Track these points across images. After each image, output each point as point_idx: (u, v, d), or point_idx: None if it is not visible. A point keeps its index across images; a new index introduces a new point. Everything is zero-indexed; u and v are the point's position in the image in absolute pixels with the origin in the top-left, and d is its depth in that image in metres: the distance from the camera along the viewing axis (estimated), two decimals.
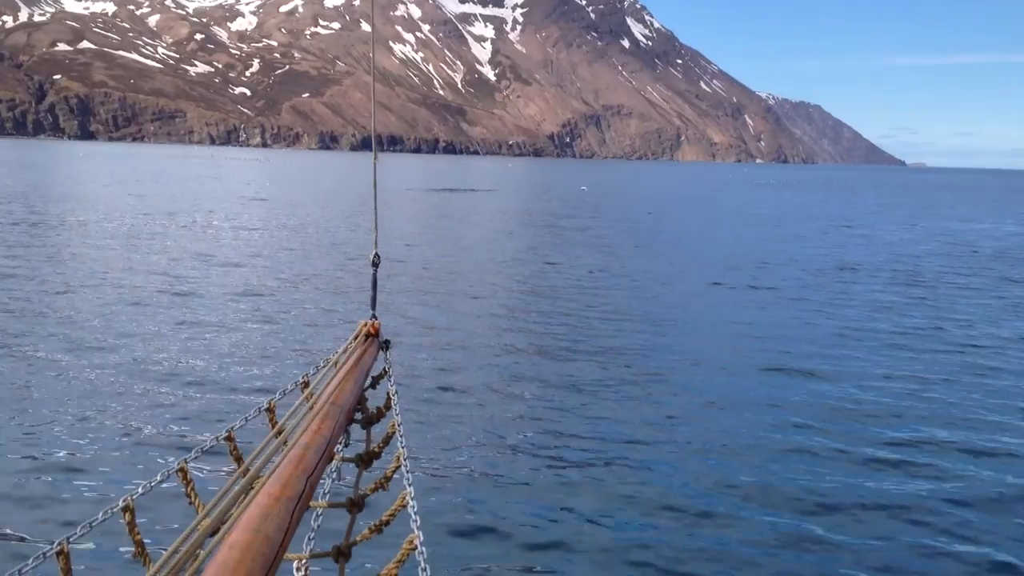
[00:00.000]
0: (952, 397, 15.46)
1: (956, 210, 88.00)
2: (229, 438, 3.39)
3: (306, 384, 4.07)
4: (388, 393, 4.25)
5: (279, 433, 3.24)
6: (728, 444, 12.60)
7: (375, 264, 5.39)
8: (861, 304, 25.56)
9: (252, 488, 2.70)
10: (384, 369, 4.65)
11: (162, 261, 29.37)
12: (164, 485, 3.03)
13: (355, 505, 3.67)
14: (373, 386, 4.49)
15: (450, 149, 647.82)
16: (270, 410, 3.74)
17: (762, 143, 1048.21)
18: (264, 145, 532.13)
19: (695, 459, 12.00)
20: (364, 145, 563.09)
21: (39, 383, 14.36)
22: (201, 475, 9.60)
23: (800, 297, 26.55)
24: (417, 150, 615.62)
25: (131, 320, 19.67)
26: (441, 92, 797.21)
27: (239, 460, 3.28)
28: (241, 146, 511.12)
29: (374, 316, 4.95)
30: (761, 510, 10.40)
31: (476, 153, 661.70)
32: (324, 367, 4.23)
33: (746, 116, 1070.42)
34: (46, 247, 31.93)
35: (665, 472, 11.56)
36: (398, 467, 3.51)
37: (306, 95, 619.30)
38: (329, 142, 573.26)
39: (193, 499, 3.07)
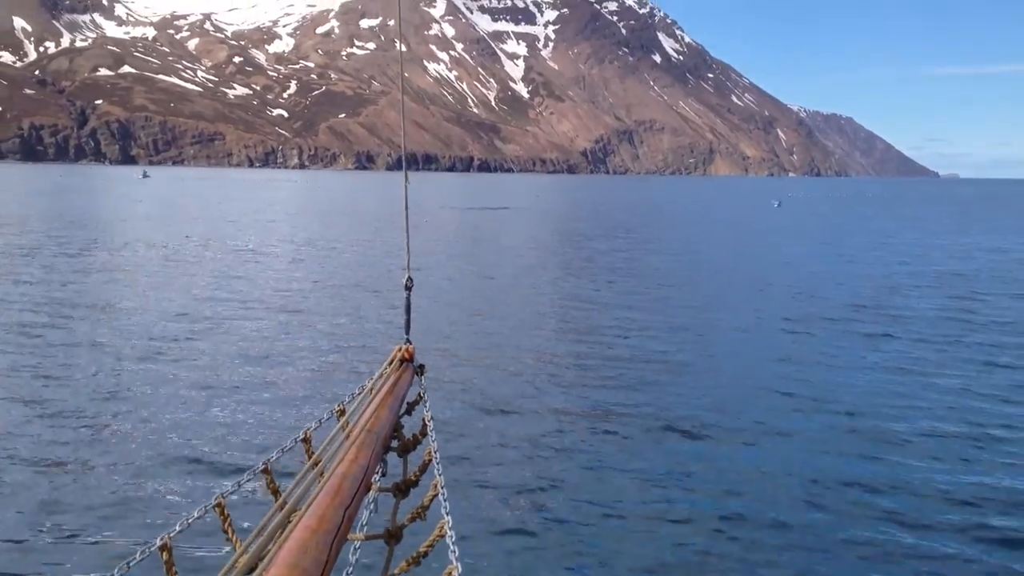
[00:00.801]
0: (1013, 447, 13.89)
1: (997, 223, 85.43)
2: (266, 471, 3.40)
3: (342, 412, 4.05)
4: (424, 419, 4.22)
5: (315, 464, 3.24)
6: (765, 494, 11.89)
7: (408, 288, 5.37)
8: (911, 335, 23.67)
9: (289, 522, 2.70)
10: (419, 395, 4.64)
11: (192, 289, 29.38)
12: (202, 521, 3.04)
13: (393, 536, 3.64)
14: (408, 412, 4.48)
15: (484, 167, 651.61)
16: (306, 440, 3.73)
17: (794, 156, 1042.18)
18: (302, 166, 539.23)
19: (737, 498, 11.69)
20: (400, 164, 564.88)
21: (74, 417, 14.41)
22: (238, 509, 9.50)
23: (851, 331, 24.32)
24: (452, 168, 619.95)
25: (165, 351, 19.51)
26: (475, 110, 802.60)
27: (276, 493, 3.28)
28: (279, 167, 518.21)
29: (408, 341, 4.94)
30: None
31: (510, 170, 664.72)
32: (359, 394, 4.21)
33: (778, 129, 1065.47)
34: (82, 272, 32.91)
35: (704, 503, 11.43)
36: (435, 496, 3.50)
37: (342, 115, 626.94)
38: (366, 162, 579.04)
39: (231, 535, 3.08)
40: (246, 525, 2.75)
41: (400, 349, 4.80)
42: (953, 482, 12.35)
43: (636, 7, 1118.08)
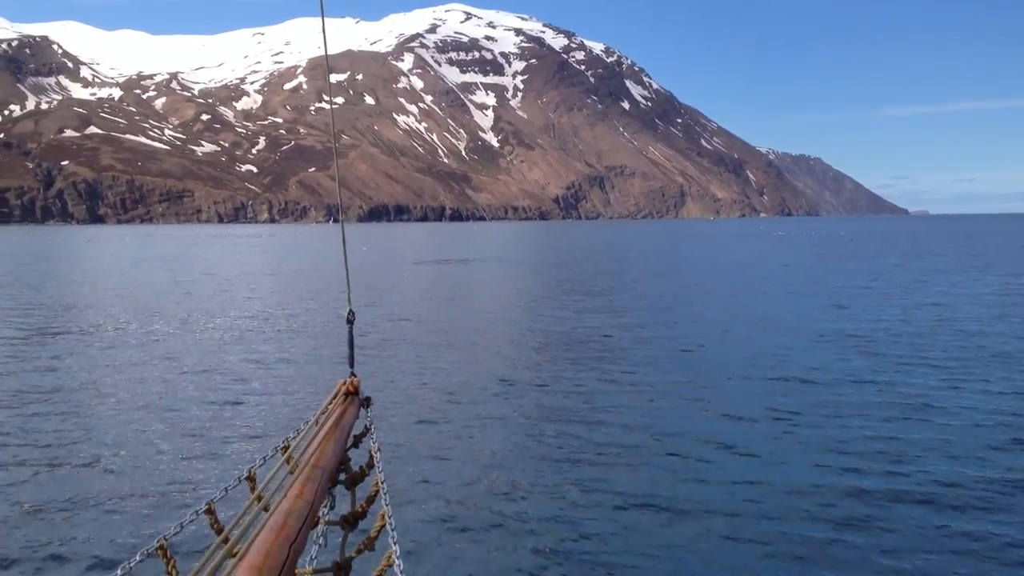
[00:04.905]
0: None
1: (985, 259, 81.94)
2: (209, 510, 3.29)
3: (286, 448, 3.96)
4: (371, 451, 4.17)
5: (260, 500, 3.19)
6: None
7: (350, 321, 5.31)
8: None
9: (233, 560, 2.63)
10: (366, 426, 4.57)
11: (131, 333, 29.24)
12: (144, 564, 2.92)
13: (342, 569, 3.59)
14: (356, 445, 4.41)
15: (456, 216, 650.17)
16: (250, 478, 3.64)
17: (765, 197, 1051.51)
18: (272, 220, 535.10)
19: (693, 539, 11.16)
20: (372, 216, 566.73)
21: (10, 464, 14.03)
22: (183, 551, 9.65)
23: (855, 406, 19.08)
24: (424, 218, 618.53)
25: (107, 393, 19.37)
26: (446, 160, 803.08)
27: (220, 532, 3.14)
28: (249, 222, 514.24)
29: (353, 374, 4.89)
30: None
31: (482, 219, 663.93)
32: (304, 429, 4.14)
33: (748, 171, 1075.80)
34: (30, 328, 31.75)
35: (649, 528, 11.41)
36: (383, 526, 3.46)
37: (312, 169, 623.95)
38: (336, 214, 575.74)
39: None
40: (190, 567, 2.32)
41: (344, 383, 4.74)
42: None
43: (603, 56, 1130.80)
